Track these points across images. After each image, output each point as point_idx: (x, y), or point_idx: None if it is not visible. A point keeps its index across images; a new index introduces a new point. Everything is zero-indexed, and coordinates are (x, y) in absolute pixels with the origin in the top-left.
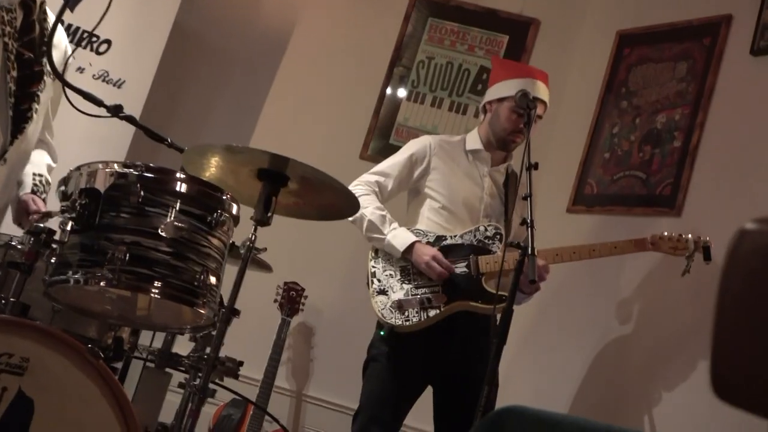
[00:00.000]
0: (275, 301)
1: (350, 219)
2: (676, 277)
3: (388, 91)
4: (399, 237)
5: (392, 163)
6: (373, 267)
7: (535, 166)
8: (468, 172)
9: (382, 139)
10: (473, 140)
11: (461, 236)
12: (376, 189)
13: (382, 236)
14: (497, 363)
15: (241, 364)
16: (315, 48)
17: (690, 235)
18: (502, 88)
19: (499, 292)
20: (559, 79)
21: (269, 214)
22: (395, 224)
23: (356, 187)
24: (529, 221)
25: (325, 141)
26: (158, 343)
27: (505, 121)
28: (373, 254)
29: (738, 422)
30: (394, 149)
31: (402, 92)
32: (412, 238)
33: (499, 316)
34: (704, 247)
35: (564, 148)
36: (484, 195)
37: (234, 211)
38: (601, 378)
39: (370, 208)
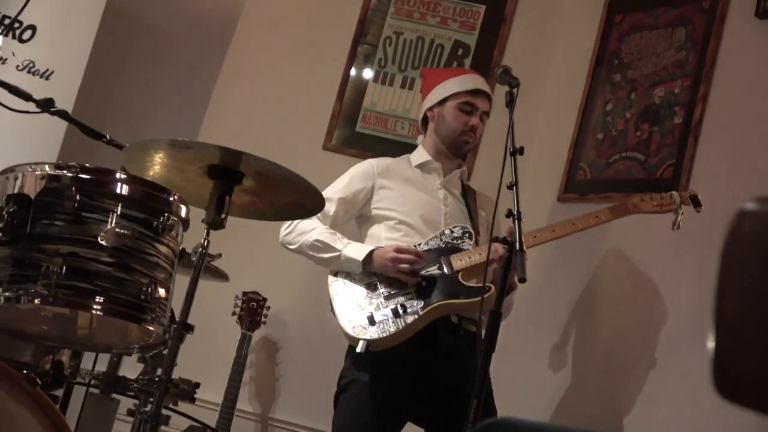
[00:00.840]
0: (234, 313)
1: (291, 247)
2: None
3: (352, 72)
4: (356, 247)
5: (333, 187)
6: (335, 290)
7: (520, 151)
8: (420, 185)
9: (347, 126)
10: (419, 155)
11: (426, 243)
12: (318, 215)
13: (336, 253)
14: (486, 371)
15: (197, 385)
16: (267, 27)
17: (674, 192)
18: (441, 91)
19: (481, 285)
20: (544, 53)
21: (223, 216)
22: (347, 239)
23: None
24: (515, 213)
25: (283, 131)
26: (102, 366)
27: (452, 121)
28: (332, 278)
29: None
30: (362, 138)
31: (368, 73)
32: (371, 247)
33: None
34: (691, 196)
35: (551, 130)
36: (441, 206)
37: (183, 214)
38: (591, 377)
39: (315, 230)
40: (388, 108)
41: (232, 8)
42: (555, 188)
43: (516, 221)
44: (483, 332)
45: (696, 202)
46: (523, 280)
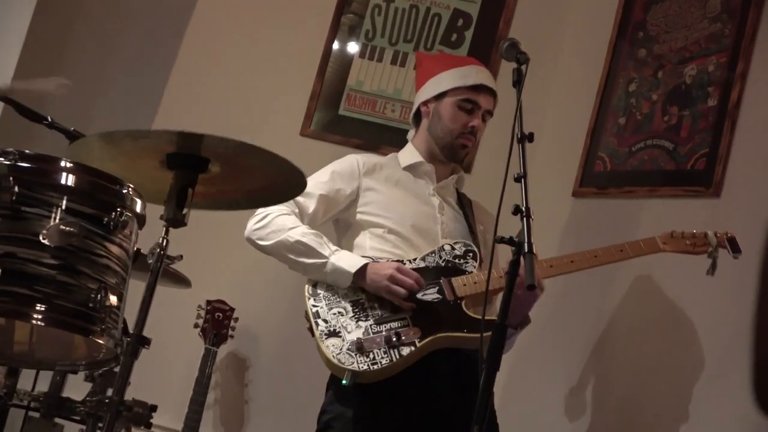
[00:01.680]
0: (196, 325)
1: (262, 243)
2: (701, 279)
3: (335, 46)
4: (346, 257)
5: (312, 181)
6: (315, 306)
7: (530, 138)
8: (411, 189)
9: (329, 109)
10: (409, 155)
11: (423, 259)
12: (296, 210)
13: (323, 260)
14: (488, 396)
15: (153, 408)
16: None
17: (709, 231)
18: (438, 83)
19: (488, 318)
20: (557, 24)
21: (184, 212)
22: (335, 247)
23: (271, 207)
24: (523, 209)
25: (254, 116)
26: (44, 386)
27: (449, 120)
28: (310, 290)
29: None
30: (346, 122)
31: (353, 47)
32: (364, 258)
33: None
34: (729, 238)
35: (565, 114)
36: (437, 214)
37: (138, 209)
38: (610, 407)
39: (298, 228)
40: (377, 87)
41: None
42: (570, 181)
43: (524, 219)
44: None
45: (734, 247)
46: (531, 287)
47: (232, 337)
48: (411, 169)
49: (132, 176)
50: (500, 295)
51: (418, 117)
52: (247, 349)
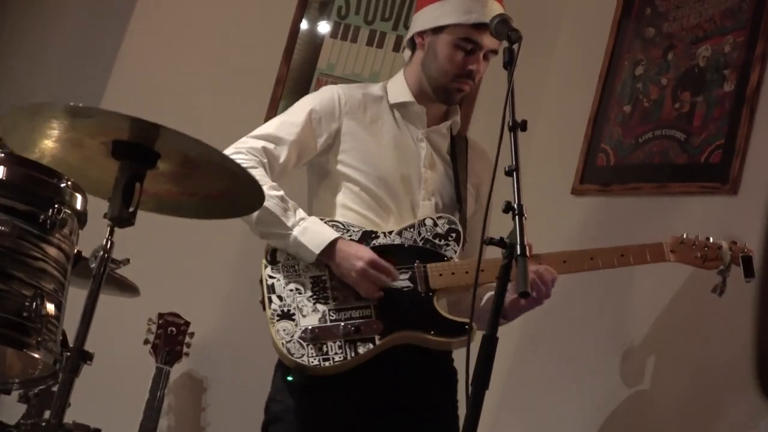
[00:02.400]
0: (146, 341)
1: None
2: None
3: (303, 25)
4: (312, 231)
5: (285, 122)
6: (270, 277)
7: (523, 126)
8: (396, 136)
9: (296, 96)
10: (399, 90)
11: (399, 233)
12: (264, 160)
13: (286, 231)
14: (477, 417)
15: None
16: None
17: (723, 241)
18: (438, 13)
19: (459, 319)
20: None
21: (131, 209)
22: (302, 212)
23: (235, 156)
24: (515, 207)
25: (212, 101)
26: None
27: (445, 60)
28: (268, 257)
29: None
30: None
31: (324, 26)
32: (332, 233)
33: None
34: (744, 257)
35: (564, 99)
36: (422, 168)
37: (79, 206)
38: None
39: (262, 188)
40: (351, 71)
41: None
42: (569, 177)
43: (517, 217)
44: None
45: (748, 270)
46: (525, 294)
47: (187, 354)
48: (400, 107)
49: (73, 159)
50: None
51: (412, 45)
52: (204, 368)
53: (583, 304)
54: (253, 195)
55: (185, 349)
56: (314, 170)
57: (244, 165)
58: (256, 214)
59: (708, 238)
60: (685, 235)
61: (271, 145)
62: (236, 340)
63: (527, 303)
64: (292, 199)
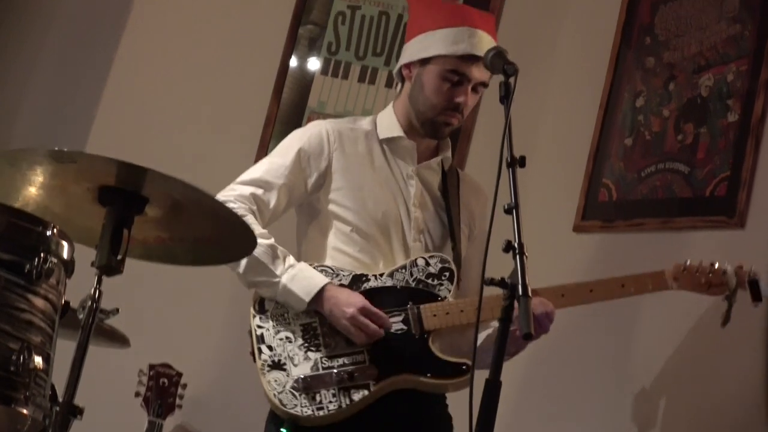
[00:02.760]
0: (137, 394)
1: None
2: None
3: (293, 62)
4: (301, 279)
5: (273, 166)
6: (259, 327)
7: (521, 162)
8: (386, 173)
9: (287, 134)
10: (388, 124)
11: (390, 275)
12: (254, 207)
13: (274, 279)
14: None
15: None
16: (176, 2)
17: (728, 265)
18: (425, 43)
19: (456, 360)
20: (551, 30)
21: (119, 257)
22: (291, 259)
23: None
24: (516, 246)
25: (201, 142)
26: None
27: (431, 92)
28: (256, 307)
29: None
30: None
31: (314, 63)
32: (322, 279)
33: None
34: (750, 281)
35: (563, 134)
36: (411, 207)
37: (65, 254)
38: None
39: None
40: (342, 108)
41: None
42: (570, 213)
43: (517, 257)
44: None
45: (755, 293)
46: (528, 336)
47: (179, 407)
48: (389, 142)
49: (57, 207)
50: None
51: (401, 76)
52: (198, 421)
53: (585, 340)
54: (245, 239)
55: (178, 401)
56: (303, 210)
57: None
58: (243, 262)
59: (713, 263)
60: (688, 262)
61: (260, 191)
62: (230, 391)
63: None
64: (281, 242)
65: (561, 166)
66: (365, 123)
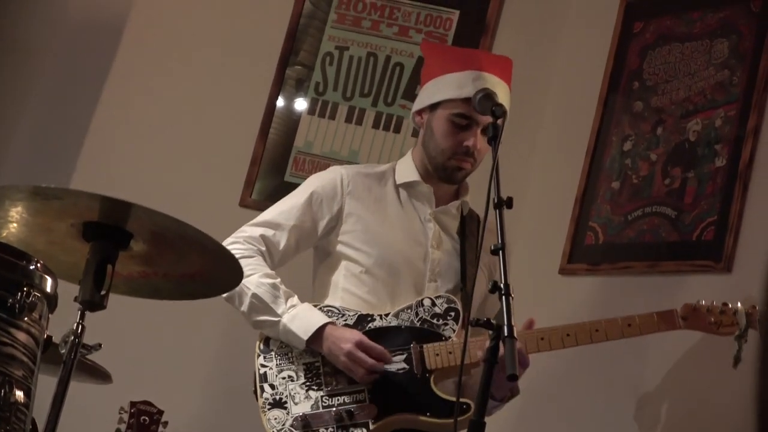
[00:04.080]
0: (118, 431)
1: (224, 294)
2: (727, 361)
3: (279, 102)
4: (301, 318)
5: (285, 208)
6: (263, 366)
7: (508, 204)
8: (402, 216)
9: (273, 175)
10: (406, 169)
11: (396, 315)
12: (263, 248)
13: (275, 318)
14: None
15: None
16: (162, 40)
17: (740, 304)
18: (435, 89)
19: (462, 399)
20: (539, 73)
21: (103, 292)
22: (294, 299)
23: (232, 246)
24: (502, 286)
25: (186, 182)
26: None
27: (441, 137)
28: (261, 346)
29: None
30: (294, 189)
31: (301, 103)
32: (321, 318)
33: None
34: (761, 321)
35: (550, 176)
36: (430, 249)
37: (49, 288)
38: None
39: (254, 276)
40: (329, 149)
41: (114, 15)
42: (556, 256)
43: (504, 298)
44: None
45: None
46: (513, 378)
47: None
48: (407, 187)
49: (40, 243)
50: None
51: (417, 123)
52: None
53: (574, 382)
54: (231, 272)
55: None
56: (318, 252)
57: (241, 254)
58: (246, 301)
59: (725, 303)
60: (698, 302)
61: (270, 232)
62: (210, 428)
63: (509, 387)
64: (296, 282)
65: (548, 208)
66: (382, 169)
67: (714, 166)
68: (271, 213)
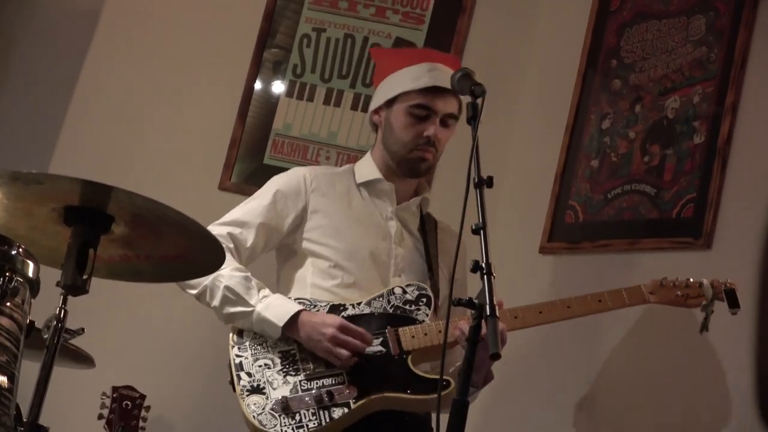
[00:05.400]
0: (101, 416)
1: (192, 291)
2: (691, 332)
3: (257, 85)
4: (275, 306)
5: (251, 207)
6: (238, 356)
7: (488, 183)
8: (365, 212)
9: (252, 158)
10: (366, 169)
11: (368, 303)
12: (231, 245)
13: (248, 308)
14: None
15: None
16: (139, 24)
17: (705, 280)
18: (389, 85)
19: (435, 376)
20: (517, 52)
21: (85, 277)
22: (266, 290)
23: None
24: (483, 266)
25: (165, 166)
26: None
27: (401, 131)
28: (235, 338)
29: None
30: (272, 172)
31: (279, 86)
32: (295, 306)
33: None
34: (727, 290)
35: (530, 155)
36: (393, 245)
37: (31, 273)
38: None
39: (225, 270)
40: (308, 131)
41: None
42: (536, 235)
43: (485, 276)
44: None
45: (732, 301)
46: (495, 356)
47: (143, 429)
48: (368, 186)
49: (21, 228)
50: (456, 348)
51: (374, 124)
52: None
53: (550, 356)
54: (212, 253)
55: (141, 423)
56: (281, 253)
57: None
58: (218, 295)
59: (688, 279)
60: (664, 279)
61: (237, 230)
62: (195, 412)
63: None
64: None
65: (527, 187)
66: (343, 170)
67: (692, 143)
68: (237, 212)
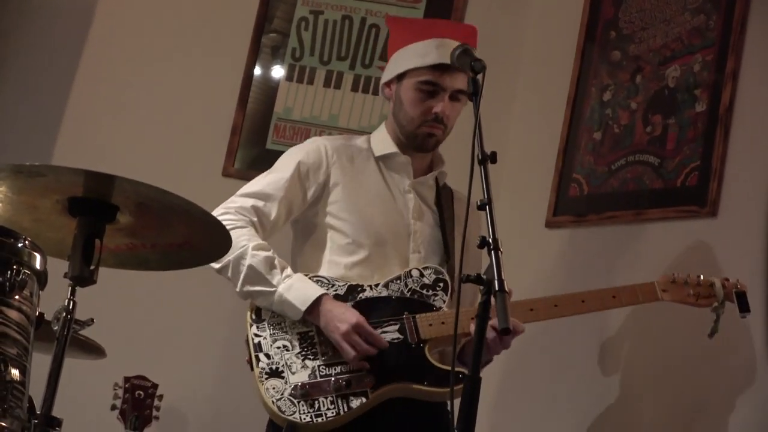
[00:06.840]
0: (114, 407)
1: (215, 265)
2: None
3: (257, 70)
4: (297, 289)
5: (273, 179)
6: (257, 335)
7: (493, 158)
8: (383, 187)
9: (254, 144)
10: (382, 141)
11: (386, 285)
12: (255, 219)
13: (271, 289)
14: None
15: None
16: (138, 13)
17: (716, 279)
18: (400, 60)
19: (457, 369)
20: (515, 27)
21: (92, 267)
22: (288, 270)
23: (223, 217)
24: (490, 241)
25: (167, 154)
26: None
27: (410, 106)
28: (253, 316)
29: None
30: (275, 157)
31: (278, 70)
32: (317, 289)
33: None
34: (738, 293)
35: (532, 129)
36: (411, 220)
37: (38, 265)
38: None
39: (248, 247)
40: (309, 114)
41: None
42: (541, 209)
43: (493, 252)
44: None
45: (743, 305)
46: (506, 331)
47: (156, 418)
48: (385, 159)
49: (26, 221)
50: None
51: (388, 98)
52: None
53: (564, 340)
54: (219, 240)
55: (154, 413)
56: (299, 226)
57: (233, 225)
58: (244, 271)
59: (699, 276)
60: (676, 274)
61: (260, 203)
62: (208, 399)
63: (499, 343)
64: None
65: (531, 161)
66: (360, 141)
67: (694, 111)
68: (260, 183)
